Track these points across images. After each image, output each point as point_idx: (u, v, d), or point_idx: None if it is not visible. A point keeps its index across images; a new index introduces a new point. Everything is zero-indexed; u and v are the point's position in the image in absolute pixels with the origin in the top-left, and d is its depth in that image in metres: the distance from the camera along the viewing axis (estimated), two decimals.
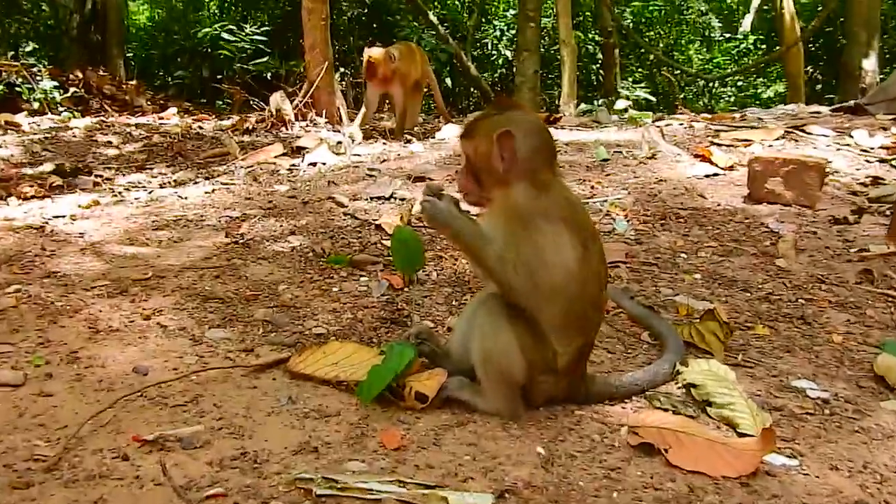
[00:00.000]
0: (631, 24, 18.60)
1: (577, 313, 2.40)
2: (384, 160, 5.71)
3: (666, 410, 2.50)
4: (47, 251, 3.86)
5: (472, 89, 16.38)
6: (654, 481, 2.13)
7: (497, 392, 2.43)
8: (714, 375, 2.64)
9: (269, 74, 12.79)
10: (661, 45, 19.67)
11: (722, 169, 5.12)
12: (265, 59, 12.79)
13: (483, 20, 16.74)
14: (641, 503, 2.03)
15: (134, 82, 12.38)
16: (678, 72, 18.46)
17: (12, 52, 13.36)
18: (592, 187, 4.84)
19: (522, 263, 2.34)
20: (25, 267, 3.64)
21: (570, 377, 2.48)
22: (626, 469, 2.18)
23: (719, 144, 5.76)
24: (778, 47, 16.72)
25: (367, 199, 4.72)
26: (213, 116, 9.46)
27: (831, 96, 14.08)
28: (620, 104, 8.54)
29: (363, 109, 7.45)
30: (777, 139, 5.86)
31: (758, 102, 18.71)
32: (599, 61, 18.13)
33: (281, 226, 4.29)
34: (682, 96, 19.52)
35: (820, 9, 16.80)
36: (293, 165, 5.74)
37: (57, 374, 2.65)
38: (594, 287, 2.42)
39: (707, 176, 5.03)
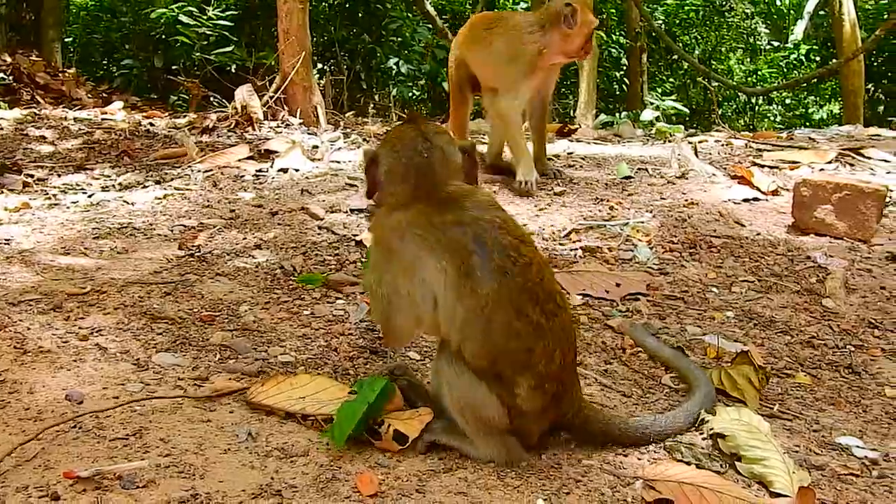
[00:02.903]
0: (663, 26, 18.75)
1: (498, 346, 2.42)
2: None
3: (688, 463, 2.54)
4: None
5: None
6: None
7: (486, 439, 2.48)
8: (746, 426, 2.69)
9: (233, 67, 12.82)
10: (696, 51, 19.85)
11: (763, 193, 5.22)
12: (230, 49, 12.80)
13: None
14: None
15: (72, 71, 12.46)
16: (716, 84, 18.63)
17: None
18: (611, 208, 4.92)
19: (384, 295, 2.52)
20: None
21: (552, 414, 2.54)
22: None
23: (761, 165, 5.86)
24: (834, 60, 16.83)
25: (346, 212, 4.79)
26: (167, 114, 9.52)
27: (893, 119, 14.19)
28: (647, 115, 8.65)
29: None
30: (829, 162, 5.97)
31: (808, 124, 18.86)
32: (624, 68, 18.28)
33: (244, 238, 4.35)
34: (719, 112, 19.64)
35: (886, 16, 16.89)
36: (260, 171, 5.80)
37: None
38: (507, 315, 2.40)
39: (746, 200, 5.12)
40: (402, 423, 2.51)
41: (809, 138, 7.23)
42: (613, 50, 17.62)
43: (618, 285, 3.90)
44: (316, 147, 6.56)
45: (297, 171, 5.76)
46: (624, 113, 12.51)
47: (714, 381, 3.01)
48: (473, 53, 5.50)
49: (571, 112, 14.54)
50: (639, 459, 2.57)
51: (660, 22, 18.82)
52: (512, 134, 5.30)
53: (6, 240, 4.24)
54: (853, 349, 3.48)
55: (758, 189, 5.27)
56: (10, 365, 2.92)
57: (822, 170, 5.77)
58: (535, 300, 2.43)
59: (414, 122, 2.70)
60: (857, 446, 2.73)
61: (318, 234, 4.46)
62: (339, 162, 6.07)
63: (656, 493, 2.34)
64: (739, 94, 19.77)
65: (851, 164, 5.98)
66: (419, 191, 2.53)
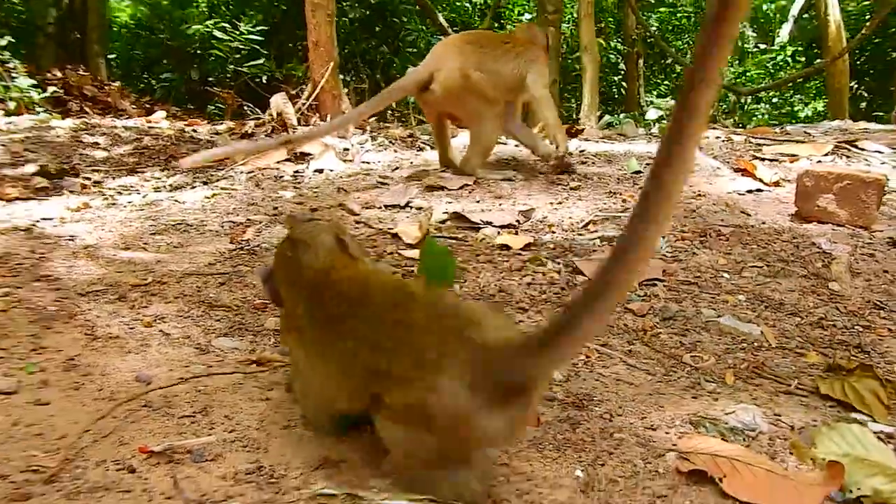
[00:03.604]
0: (657, 33, 18.72)
1: None
2: (396, 168, 5.77)
3: (714, 437, 2.50)
4: (37, 254, 3.90)
5: None
6: None
7: None
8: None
9: (264, 78, 12.86)
10: (689, 55, 19.79)
11: (766, 184, 5.18)
12: (261, 61, 12.86)
13: (496, 24, 16.89)
14: None
15: (117, 84, 12.49)
16: None
17: None
18: (624, 200, 4.89)
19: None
20: (14, 270, 3.68)
21: None
22: (672, 497, 2.19)
23: (762, 159, 5.82)
24: (819, 60, 16.76)
25: (380, 208, 4.77)
26: (205, 122, 9.54)
27: (878, 114, 14.10)
28: (652, 114, 8.63)
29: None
30: (826, 154, 5.92)
31: (794, 121, 18.77)
32: (622, 73, 18.29)
33: None
34: (710, 112, 19.55)
35: (868, 17, 16.78)
36: (297, 172, 5.80)
37: (53, 381, 2.68)
38: None
39: (750, 192, 5.08)
40: None
41: (805, 132, 7.18)
42: (612, 56, 17.58)
43: None
44: (347, 149, 6.55)
45: (331, 171, 5.75)
46: (623, 114, 12.50)
47: (836, 393, 2.80)
48: None
49: (575, 115, 14.48)
50: (666, 433, 2.53)
51: (654, 28, 18.76)
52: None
53: (71, 237, 4.24)
54: (861, 329, 3.42)
55: (761, 181, 5.23)
56: (82, 350, 2.92)
57: (819, 161, 5.72)
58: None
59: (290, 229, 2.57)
60: (871, 421, 2.65)
61: (356, 227, 4.44)
62: (368, 163, 6.06)
63: (690, 464, 2.30)
64: (729, 94, 19.74)
65: (847, 156, 5.93)
66: (296, 284, 2.45)
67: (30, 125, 7.93)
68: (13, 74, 9.87)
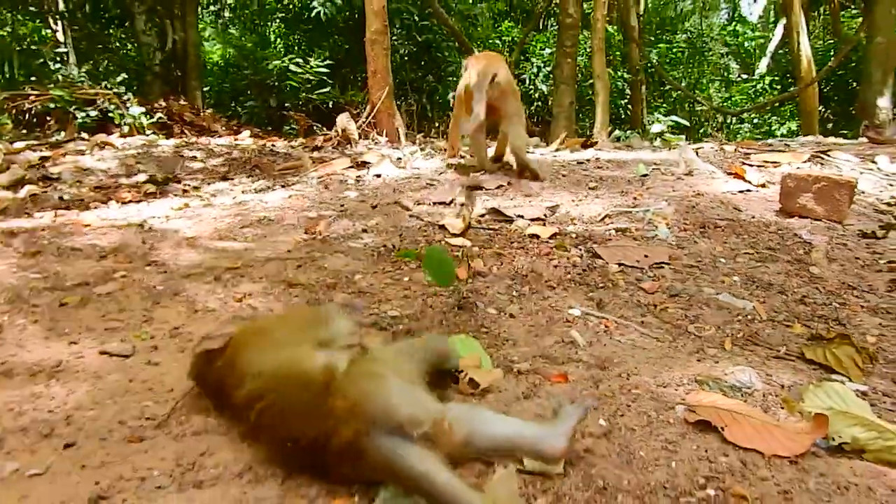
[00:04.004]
0: (658, 63, 18.54)
1: None
2: (441, 173, 5.72)
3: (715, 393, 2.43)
4: (147, 244, 3.92)
5: None
6: (710, 455, 2.08)
7: None
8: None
9: (330, 103, 12.91)
10: (683, 83, 19.57)
11: (755, 186, 5.04)
12: (327, 90, 12.92)
13: (522, 57, 16.78)
14: (698, 473, 1.99)
15: (210, 111, 12.62)
16: (700, 108, 18.32)
17: (105, 83, 13.71)
18: (634, 198, 4.80)
19: None
20: (129, 257, 3.70)
21: None
22: (682, 443, 2.13)
23: (751, 165, 5.67)
24: (792, 87, 16.54)
25: (429, 204, 4.72)
26: (282, 139, 9.59)
27: (844, 132, 13.86)
28: (657, 128, 8.49)
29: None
30: (804, 162, 5.76)
31: (772, 138, 18.51)
32: (627, 97, 18.11)
33: (353, 225, 4.31)
34: (701, 130, 19.38)
35: (833, 53, 16.64)
36: (359, 176, 5.77)
37: (162, 346, 2.69)
38: None
39: (741, 191, 4.96)
40: (476, 373, 2.45)
41: (785, 144, 7.02)
42: (619, 83, 17.42)
43: (646, 256, 3.78)
44: (400, 158, 6.52)
45: (388, 175, 5.71)
46: (629, 130, 12.36)
47: (818, 357, 2.74)
48: None
49: (589, 131, 14.35)
50: (675, 390, 2.47)
51: (655, 60, 18.57)
52: None
53: (175, 230, 4.26)
54: (838, 306, 3.31)
55: (750, 183, 5.10)
56: (186, 321, 2.92)
57: (798, 168, 5.57)
58: None
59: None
60: (848, 382, 2.58)
61: (409, 221, 4.40)
62: (418, 168, 6.01)
63: (696, 415, 2.25)
64: (717, 115, 19.55)
65: (822, 163, 5.77)
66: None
67: (140, 144, 8.03)
68: (127, 105, 10.01)
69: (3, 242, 3.87)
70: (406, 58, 14.19)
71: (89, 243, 3.91)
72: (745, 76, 22.42)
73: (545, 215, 4.42)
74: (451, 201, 4.70)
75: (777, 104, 19.04)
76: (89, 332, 2.80)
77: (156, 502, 1.81)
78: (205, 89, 15.75)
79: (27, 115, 10.26)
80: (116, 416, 2.18)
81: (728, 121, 20.68)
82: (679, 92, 18.39)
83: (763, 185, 5.06)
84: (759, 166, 5.65)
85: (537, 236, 4.02)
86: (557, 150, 7.08)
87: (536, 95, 16.66)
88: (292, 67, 12.64)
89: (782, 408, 2.34)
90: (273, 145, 7.96)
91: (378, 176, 5.71)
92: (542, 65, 16.67)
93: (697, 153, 5.97)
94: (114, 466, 1.95)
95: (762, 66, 22.08)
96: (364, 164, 6.19)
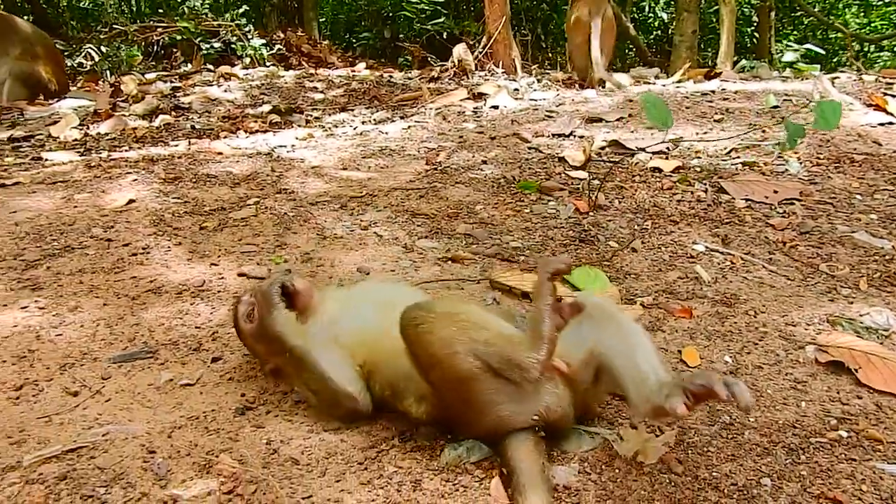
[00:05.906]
0: None
1: None
2: (560, 104, 5.61)
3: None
4: (276, 172, 4.08)
5: (629, 48, 15.81)
6: (842, 396, 2.02)
7: None
8: None
9: (444, 34, 12.79)
10: (816, 7, 18.13)
11: None
12: (441, 20, 12.79)
13: None
14: (829, 414, 1.94)
15: (326, 42, 12.77)
16: (835, 35, 16.95)
17: (226, 15, 14.08)
18: (763, 131, 4.56)
19: None
20: (260, 184, 3.86)
21: None
22: (812, 383, 2.08)
23: (893, 96, 5.26)
24: None
25: (548, 136, 4.66)
26: (397, 70, 9.62)
27: None
28: (789, 56, 7.96)
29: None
30: None
31: None
32: (754, 24, 17.00)
33: (473, 156, 4.32)
34: (835, 60, 18.00)
35: None
36: (477, 108, 5.74)
37: (294, 270, 2.82)
38: None
39: (881, 124, 4.61)
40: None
41: None
42: (745, 9, 16.36)
43: (775, 192, 3.61)
44: (517, 89, 6.44)
45: (505, 107, 5.66)
46: (756, 61, 11.63)
47: None
48: None
49: (711, 61, 13.62)
50: (806, 329, 2.39)
51: None
52: None
53: (301, 159, 4.39)
54: None
55: (892, 115, 4.73)
56: (315, 247, 3.05)
57: None
58: None
59: None
60: None
61: (529, 153, 4.36)
62: (535, 100, 5.92)
63: (828, 356, 2.18)
64: (854, 42, 18.00)
65: None
66: None
67: (262, 75, 8.26)
68: (249, 36, 10.28)
69: (146, 169, 4.11)
70: None
71: (223, 170, 4.10)
72: (887, 0, 20.54)
73: (668, 149, 4.29)
74: (571, 133, 4.63)
75: None
76: (228, 254, 2.97)
77: (297, 414, 1.94)
78: (321, 20, 15.92)
79: (155, 47, 10.74)
80: None
81: (866, 49, 19.08)
82: (811, 18, 17.06)
83: None
84: None
85: (659, 170, 3.91)
86: (679, 81, 6.79)
87: (656, 24, 15.92)
88: None
89: None
90: (391, 76, 8.02)
91: (495, 107, 5.66)
92: None
93: (833, 83, 5.58)
94: (258, 380, 2.10)
95: None
96: (481, 96, 6.15)
